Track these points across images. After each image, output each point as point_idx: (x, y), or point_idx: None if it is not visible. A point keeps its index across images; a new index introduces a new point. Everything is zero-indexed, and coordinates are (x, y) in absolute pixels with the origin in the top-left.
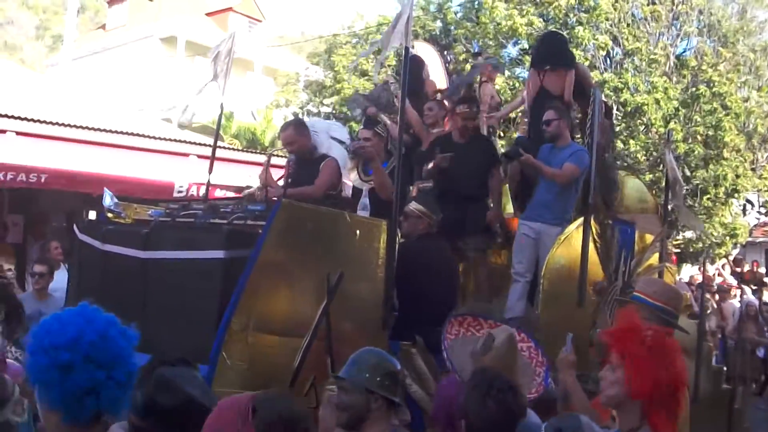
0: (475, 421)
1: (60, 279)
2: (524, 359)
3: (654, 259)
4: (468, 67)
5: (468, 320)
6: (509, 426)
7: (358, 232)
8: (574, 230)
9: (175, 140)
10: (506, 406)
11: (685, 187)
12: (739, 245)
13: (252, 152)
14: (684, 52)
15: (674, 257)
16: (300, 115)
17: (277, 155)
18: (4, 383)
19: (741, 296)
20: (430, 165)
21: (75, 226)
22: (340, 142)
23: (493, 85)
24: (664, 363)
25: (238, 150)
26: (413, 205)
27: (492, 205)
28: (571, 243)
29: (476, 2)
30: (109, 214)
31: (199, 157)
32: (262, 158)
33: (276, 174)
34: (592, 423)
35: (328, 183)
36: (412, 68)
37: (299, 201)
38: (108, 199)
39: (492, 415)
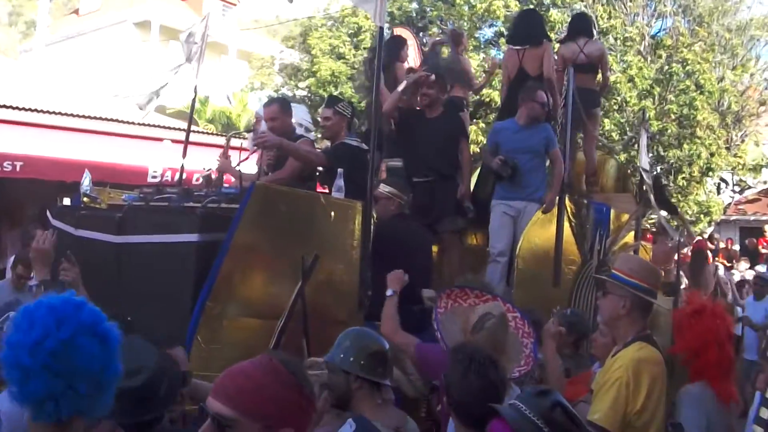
0: (458, 395)
1: None
2: (513, 333)
3: (629, 237)
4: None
5: (455, 292)
6: (492, 399)
7: (332, 213)
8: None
9: (149, 125)
10: (487, 380)
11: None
12: (713, 223)
13: (225, 136)
14: (659, 32)
15: (650, 236)
16: None
17: (240, 137)
18: None
19: (714, 273)
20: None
21: (48, 212)
22: (299, 125)
23: (465, 53)
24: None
25: (213, 134)
26: (382, 187)
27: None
28: (546, 222)
29: None
30: (85, 199)
31: (174, 141)
32: (236, 142)
33: (236, 158)
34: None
35: (298, 166)
36: (392, 45)
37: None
38: (86, 181)
39: (474, 389)
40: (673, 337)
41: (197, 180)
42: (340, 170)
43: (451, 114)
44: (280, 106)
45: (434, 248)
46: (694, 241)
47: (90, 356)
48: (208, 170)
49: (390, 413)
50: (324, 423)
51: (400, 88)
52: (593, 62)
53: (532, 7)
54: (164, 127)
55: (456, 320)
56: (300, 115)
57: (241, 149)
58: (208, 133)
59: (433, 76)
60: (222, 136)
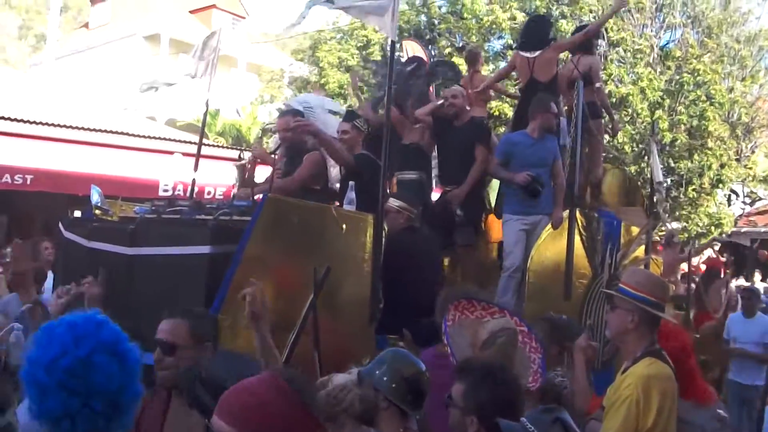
0: (475, 407)
1: (48, 280)
2: (521, 349)
3: (640, 251)
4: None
5: (463, 303)
6: (510, 411)
7: (344, 226)
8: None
9: (160, 138)
10: (506, 391)
11: (669, 179)
12: (724, 235)
13: (237, 149)
14: (668, 43)
15: (660, 247)
16: None
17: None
18: (5, 387)
19: (726, 288)
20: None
21: (60, 224)
22: (335, 113)
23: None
24: None
25: (223, 147)
26: (392, 201)
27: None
28: (557, 236)
29: None
30: (96, 211)
31: (184, 155)
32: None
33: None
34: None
35: (306, 175)
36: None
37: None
38: (95, 196)
39: (492, 400)
40: None
41: (240, 161)
42: (351, 183)
43: (477, 124)
44: (294, 117)
45: (446, 260)
46: (706, 257)
47: (108, 375)
48: (242, 161)
49: None
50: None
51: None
52: (589, 75)
53: (540, 14)
54: (175, 140)
55: (464, 333)
56: (333, 105)
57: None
58: (218, 146)
59: None
60: (233, 149)
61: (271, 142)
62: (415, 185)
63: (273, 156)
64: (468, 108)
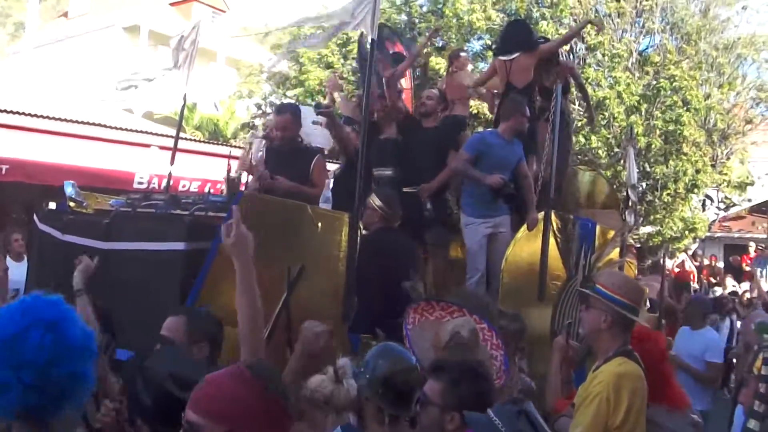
0: (453, 405)
1: (20, 272)
2: (483, 346)
3: (615, 253)
4: (435, 60)
5: (421, 305)
6: (485, 406)
7: (319, 224)
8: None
9: (136, 131)
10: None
11: (644, 183)
12: (698, 240)
13: (214, 144)
14: (646, 48)
15: (634, 250)
16: (263, 107)
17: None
18: None
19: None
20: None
21: (35, 216)
22: (318, 123)
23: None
24: None
25: (200, 141)
26: (373, 198)
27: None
28: (532, 238)
29: None
30: (71, 204)
31: (161, 148)
32: (225, 150)
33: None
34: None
35: (324, 183)
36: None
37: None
38: (69, 188)
39: (468, 397)
40: None
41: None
42: (328, 181)
43: (447, 128)
44: (293, 115)
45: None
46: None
47: (37, 348)
48: (231, 174)
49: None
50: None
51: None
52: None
53: (519, 18)
54: (152, 134)
55: (425, 335)
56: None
57: (230, 157)
58: (195, 140)
59: None
60: (210, 143)
61: (249, 137)
62: (391, 183)
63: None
64: (439, 112)
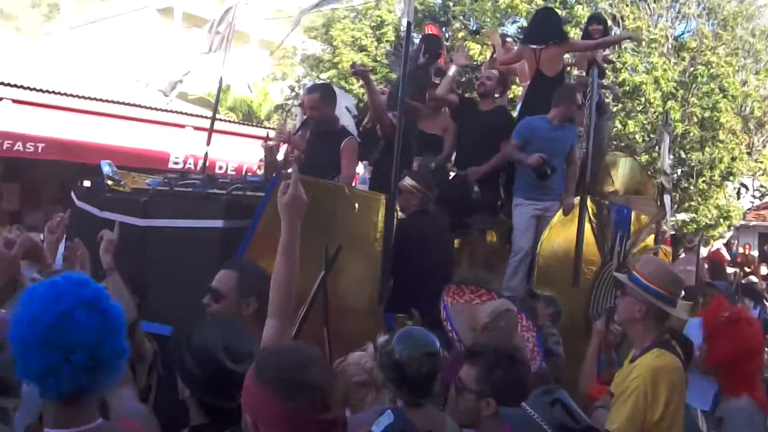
0: (489, 391)
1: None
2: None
3: (650, 240)
4: (470, 45)
5: (452, 289)
6: (521, 393)
7: (356, 205)
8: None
9: (171, 111)
10: (516, 374)
11: (679, 170)
12: (732, 228)
13: (248, 125)
14: (683, 34)
15: (668, 239)
16: (297, 89)
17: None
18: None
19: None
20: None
21: (72, 193)
22: (349, 111)
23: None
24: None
25: (234, 122)
26: (407, 180)
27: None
28: (567, 223)
29: None
30: (109, 182)
31: (196, 128)
32: (259, 131)
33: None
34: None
35: (355, 167)
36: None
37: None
38: (107, 167)
39: (503, 383)
40: (708, 346)
41: (267, 142)
42: (364, 162)
43: (502, 111)
44: (322, 95)
45: (458, 243)
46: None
47: (87, 329)
48: (269, 141)
49: (425, 415)
50: (367, 402)
51: (451, 71)
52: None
53: (550, 5)
54: (186, 114)
55: (459, 318)
56: (347, 101)
57: (267, 138)
58: (231, 121)
59: None
60: (245, 124)
61: (283, 118)
62: (433, 168)
63: (297, 135)
64: (497, 95)
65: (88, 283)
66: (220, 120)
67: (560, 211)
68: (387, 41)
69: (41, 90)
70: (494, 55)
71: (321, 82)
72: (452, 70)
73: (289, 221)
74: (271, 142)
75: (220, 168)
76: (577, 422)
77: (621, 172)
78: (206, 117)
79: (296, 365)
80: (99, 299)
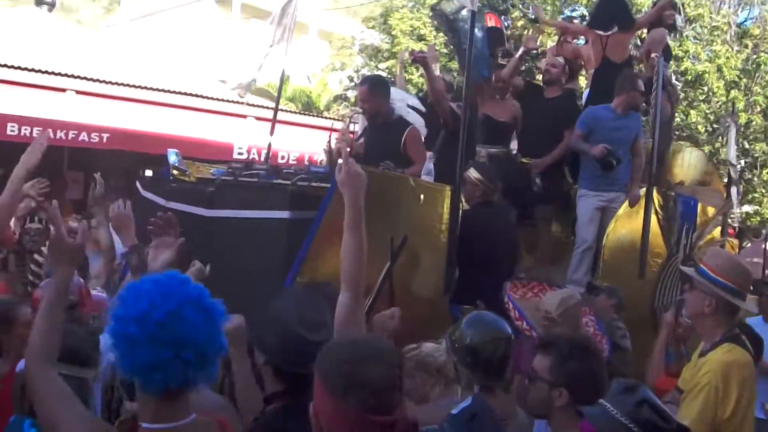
0: (563, 382)
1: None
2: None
3: (716, 232)
4: (527, 32)
5: (509, 285)
6: (598, 384)
7: (422, 196)
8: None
9: (234, 102)
10: (589, 365)
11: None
12: None
13: (308, 115)
14: (745, 20)
15: (731, 230)
16: (355, 79)
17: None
18: (87, 345)
19: None
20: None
21: (138, 183)
22: (417, 110)
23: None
24: None
25: (294, 113)
26: (471, 172)
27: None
28: (633, 214)
29: None
30: (174, 172)
31: (257, 119)
32: (318, 122)
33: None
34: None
35: (424, 156)
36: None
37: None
38: (173, 157)
39: (576, 375)
40: None
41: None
42: (429, 153)
43: (568, 99)
44: (369, 88)
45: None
46: None
47: (196, 327)
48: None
49: (498, 400)
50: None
51: (518, 53)
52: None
53: None
54: (248, 104)
55: (524, 310)
56: (414, 102)
57: (331, 129)
58: (292, 112)
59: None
60: (306, 114)
61: (342, 108)
62: (498, 159)
63: (359, 143)
64: (563, 81)
65: (188, 281)
66: (282, 110)
67: (626, 203)
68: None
69: (104, 81)
70: (561, 40)
71: (371, 74)
72: (520, 51)
73: (351, 197)
74: (333, 146)
75: (282, 158)
76: (668, 422)
77: (687, 163)
78: (267, 107)
79: (352, 361)
80: (202, 297)
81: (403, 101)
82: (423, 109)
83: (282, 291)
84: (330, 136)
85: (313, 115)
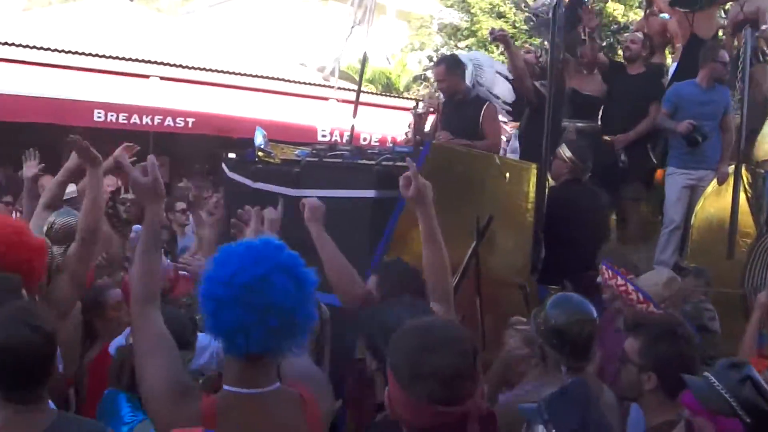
0: (656, 367)
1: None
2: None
3: None
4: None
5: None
6: (691, 369)
7: (507, 175)
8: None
9: (315, 84)
10: (684, 350)
11: None
12: None
13: (390, 96)
14: None
15: None
16: (435, 59)
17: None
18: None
19: None
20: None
21: (223, 164)
22: (505, 77)
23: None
24: None
25: (375, 94)
26: (563, 149)
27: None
28: (722, 193)
29: None
30: (260, 153)
31: (339, 101)
32: (399, 102)
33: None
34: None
35: (500, 133)
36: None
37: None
38: (260, 138)
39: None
40: None
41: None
42: (515, 131)
43: (652, 75)
44: (446, 67)
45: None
46: None
47: (284, 293)
48: (418, 110)
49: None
50: (531, 377)
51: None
52: (755, 17)
53: None
54: (329, 86)
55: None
56: (503, 68)
57: (416, 106)
58: (372, 93)
59: None
60: (387, 95)
61: (422, 89)
62: (586, 134)
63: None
64: (644, 56)
65: (284, 247)
66: (363, 92)
67: (714, 181)
68: (525, 7)
69: (187, 66)
70: (647, 13)
71: (447, 54)
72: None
73: (422, 210)
74: (418, 111)
75: (365, 139)
76: None
77: None
78: (348, 89)
79: (420, 349)
80: (295, 265)
81: (492, 67)
82: (509, 74)
83: (373, 268)
84: (417, 102)
85: (394, 96)
